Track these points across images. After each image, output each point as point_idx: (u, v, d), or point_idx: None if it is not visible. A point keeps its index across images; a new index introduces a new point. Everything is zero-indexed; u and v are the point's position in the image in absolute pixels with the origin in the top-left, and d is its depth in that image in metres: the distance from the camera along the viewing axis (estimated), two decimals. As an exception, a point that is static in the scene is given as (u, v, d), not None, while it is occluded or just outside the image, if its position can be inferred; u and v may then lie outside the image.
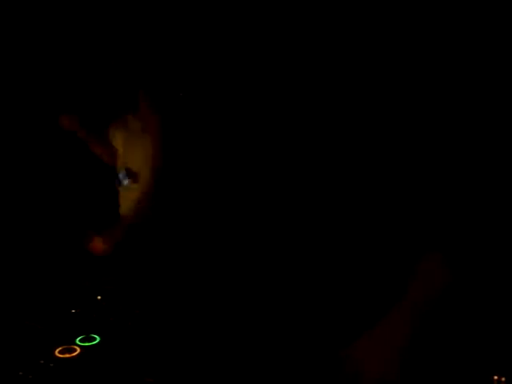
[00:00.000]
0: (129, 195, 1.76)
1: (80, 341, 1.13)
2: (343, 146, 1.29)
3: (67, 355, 1.09)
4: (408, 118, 1.19)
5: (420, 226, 1.18)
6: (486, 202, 1.08)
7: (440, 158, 1.14)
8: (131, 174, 1.71)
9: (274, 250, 1.43)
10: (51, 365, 1.05)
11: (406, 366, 0.94)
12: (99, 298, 1.54)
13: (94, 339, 1.14)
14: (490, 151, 1.09)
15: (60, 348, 1.10)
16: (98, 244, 2.06)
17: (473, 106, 1.11)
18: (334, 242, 1.35)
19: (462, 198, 1.11)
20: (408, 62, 1.21)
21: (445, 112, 1.15)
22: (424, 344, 1.00)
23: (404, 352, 0.94)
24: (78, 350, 1.10)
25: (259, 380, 1.11)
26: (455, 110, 1.13)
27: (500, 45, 1.13)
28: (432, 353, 1.06)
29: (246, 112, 1.42)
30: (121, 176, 1.75)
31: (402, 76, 1.22)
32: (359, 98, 1.27)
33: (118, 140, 1.77)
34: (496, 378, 1.11)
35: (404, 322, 0.98)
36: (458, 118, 1.12)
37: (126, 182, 1.73)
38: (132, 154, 1.71)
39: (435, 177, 1.20)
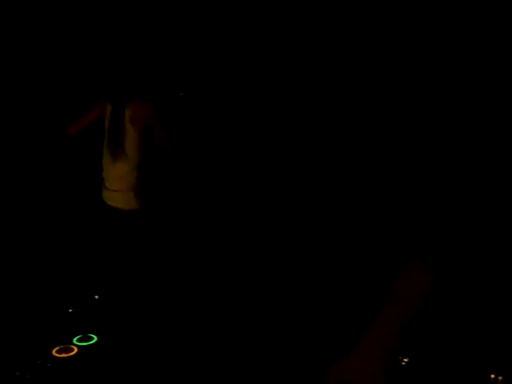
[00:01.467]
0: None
1: (77, 340, 1.13)
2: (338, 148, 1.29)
3: (64, 355, 1.08)
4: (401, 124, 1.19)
5: (403, 234, 1.19)
6: (467, 213, 1.09)
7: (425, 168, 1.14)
8: None
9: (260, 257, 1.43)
10: (48, 364, 1.04)
11: (391, 376, 0.95)
12: (97, 297, 1.54)
13: (92, 339, 1.14)
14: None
15: (57, 348, 1.10)
16: None
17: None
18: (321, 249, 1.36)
19: (445, 208, 1.11)
20: (407, 62, 1.21)
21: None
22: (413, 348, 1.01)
23: (388, 363, 0.95)
24: (76, 349, 1.10)
25: (256, 380, 1.11)
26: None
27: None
28: (427, 352, 1.07)
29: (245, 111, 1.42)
30: None
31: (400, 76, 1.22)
32: (357, 99, 1.27)
33: None
34: (493, 376, 1.11)
35: (386, 334, 0.98)
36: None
37: None
38: None
39: (421, 187, 1.20)
